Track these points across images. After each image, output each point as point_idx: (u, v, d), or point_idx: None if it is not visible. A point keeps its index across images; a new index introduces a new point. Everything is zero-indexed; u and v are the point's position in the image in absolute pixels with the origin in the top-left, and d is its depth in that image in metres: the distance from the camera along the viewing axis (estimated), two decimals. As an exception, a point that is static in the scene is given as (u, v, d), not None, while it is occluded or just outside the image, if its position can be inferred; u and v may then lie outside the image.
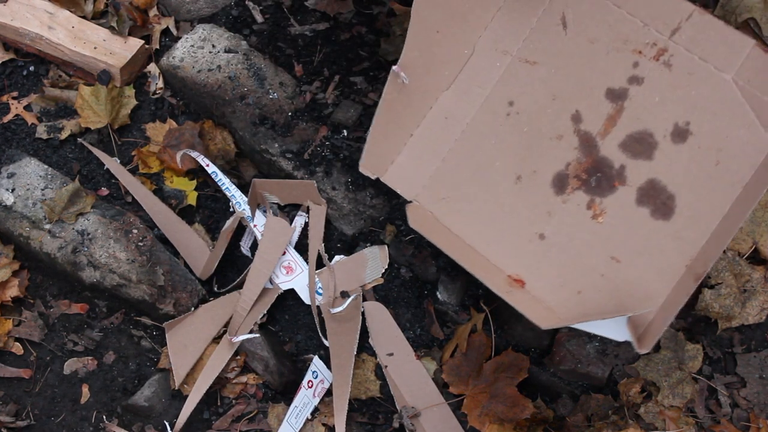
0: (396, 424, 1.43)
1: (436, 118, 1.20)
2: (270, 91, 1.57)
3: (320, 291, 1.49)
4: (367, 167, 1.24)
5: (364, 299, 1.49)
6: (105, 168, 1.60)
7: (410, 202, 1.21)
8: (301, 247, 1.54)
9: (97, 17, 1.71)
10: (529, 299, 1.14)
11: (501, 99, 1.19)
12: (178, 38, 1.67)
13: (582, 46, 1.15)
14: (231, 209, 1.58)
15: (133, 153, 1.61)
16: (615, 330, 1.09)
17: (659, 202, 1.10)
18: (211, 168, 1.54)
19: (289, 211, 1.58)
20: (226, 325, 1.47)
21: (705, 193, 1.09)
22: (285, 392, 1.46)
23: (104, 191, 1.59)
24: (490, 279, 1.15)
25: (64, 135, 1.62)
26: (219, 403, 1.46)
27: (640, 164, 1.12)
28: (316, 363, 1.46)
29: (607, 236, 1.13)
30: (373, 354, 1.47)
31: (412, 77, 1.17)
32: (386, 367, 1.45)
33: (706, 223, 1.08)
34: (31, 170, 1.53)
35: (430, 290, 1.51)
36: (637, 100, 1.13)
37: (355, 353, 1.43)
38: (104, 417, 1.46)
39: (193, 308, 1.48)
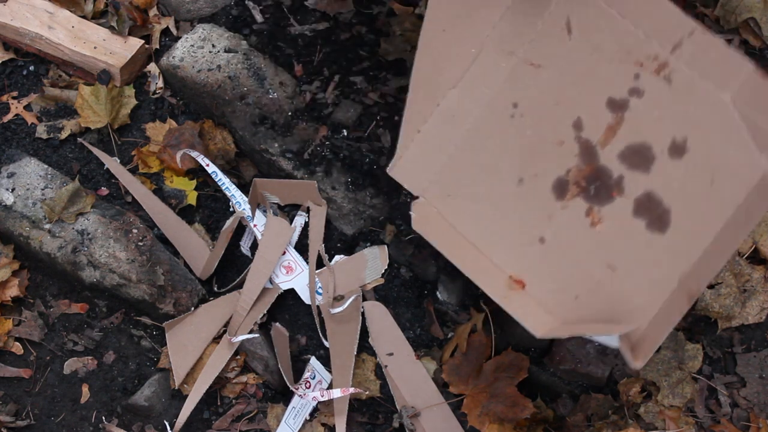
0: (396, 424, 1.43)
1: (443, 115, 1.21)
2: (270, 90, 1.57)
3: (320, 291, 1.50)
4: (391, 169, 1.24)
5: (364, 299, 1.49)
6: (105, 168, 1.60)
7: (417, 197, 1.21)
8: (301, 247, 1.54)
9: (97, 17, 1.71)
10: (527, 303, 1.15)
11: (506, 100, 1.19)
12: (178, 38, 1.67)
13: (585, 52, 1.15)
14: (231, 209, 1.58)
15: (133, 153, 1.62)
16: (612, 338, 1.10)
17: (655, 215, 1.11)
18: (211, 168, 1.54)
19: (289, 211, 1.58)
20: (226, 325, 1.47)
21: (699, 210, 1.09)
22: (285, 392, 1.46)
23: (104, 191, 1.58)
24: (489, 282, 1.15)
25: (64, 135, 1.62)
26: (219, 403, 1.46)
27: (637, 176, 1.13)
28: (314, 364, 1.46)
29: (604, 244, 1.14)
30: (373, 354, 1.47)
31: (421, 75, 1.18)
32: (386, 367, 1.45)
33: (699, 240, 1.09)
34: (31, 170, 1.53)
35: (430, 290, 1.51)
36: (637, 112, 1.13)
37: (355, 353, 1.43)
38: (104, 417, 1.46)
39: (193, 308, 1.48)
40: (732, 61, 1.07)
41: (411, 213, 1.19)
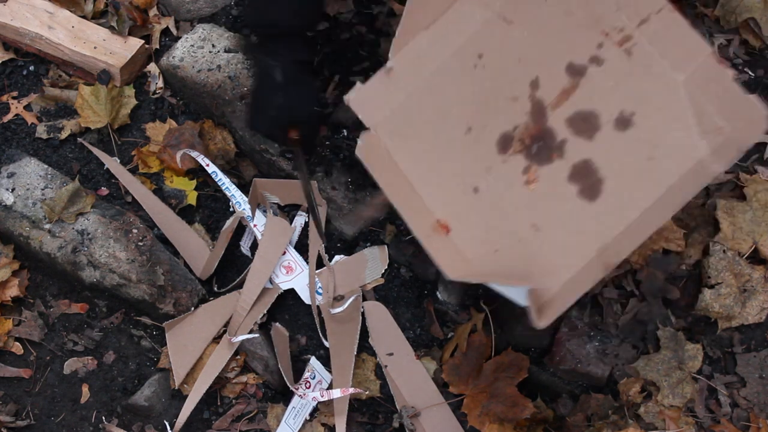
0: (396, 424, 1.43)
1: (410, 54, 1.22)
2: (270, 90, 1.56)
3: (320, 291, 1.50)
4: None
5: (364, 299, 1.49)
6: (105, 168, 1.60)
7: (368, 129, 1.22)
8: (301, 247, 1.54)
9: (97, 17, 1.71)
10: (448, 248, 1.17)
11: (473, 50, 1.21)
12: (178, 38, 1.67)
13: (557, 16, 1.17)
14: (231, 209, 1.58)
15: (133, 153, 1.62)
16: (521, 294, 1.12)
17: (588, 183, 1.14)
18: (211, 168, 1.54)
19: (289, 211, 1.58)
20: (226, 325, 1.47)
21: (632, 185, 1.11)
22: (285, 392, 1.46)
23: (104, 191, 1.59)
24: (417, 221, 1.17)
25: (64, 135, 1.62)
26: (219, 403, 1.46)
27: (580, 142, 1.15)
28: (313, 364, 1.46)
29: (534, 203, 1.16)
30: (373, 354, 1.47)
31: (406, 17, 1.19)
32: (386, 367, 1.45)
33: (626, 214, 1.11)
34: (31, 170, 1.53)
35: (430, 290, 1.51)
36: (593, 80, 1.15)
37: (355, 353, 1.43)
38: (104, 417, 1.46)
39: (193, 308, 1.48)
40: (692, 43, 1.08)
41: (358, 140, 1.19)
